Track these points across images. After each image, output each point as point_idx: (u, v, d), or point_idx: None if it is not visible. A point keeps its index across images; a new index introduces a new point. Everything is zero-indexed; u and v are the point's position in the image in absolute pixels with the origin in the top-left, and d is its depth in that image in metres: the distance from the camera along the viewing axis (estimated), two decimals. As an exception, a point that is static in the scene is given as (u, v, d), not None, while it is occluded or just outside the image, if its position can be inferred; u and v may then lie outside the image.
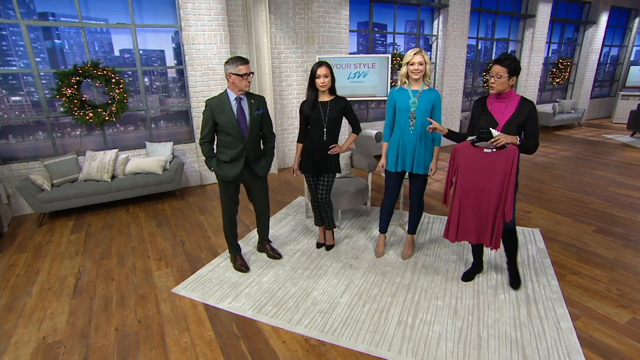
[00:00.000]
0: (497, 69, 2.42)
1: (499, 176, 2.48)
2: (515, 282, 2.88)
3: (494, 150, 2.46)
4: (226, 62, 2.76)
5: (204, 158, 2.97)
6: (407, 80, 2.91)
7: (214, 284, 3.01)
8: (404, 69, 2.87)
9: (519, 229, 3.86)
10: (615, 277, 2.98)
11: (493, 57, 8.98)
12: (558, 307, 2.62)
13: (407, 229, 3.41)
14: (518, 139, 2.43)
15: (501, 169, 2.46)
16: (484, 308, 2.64)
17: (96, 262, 3.42)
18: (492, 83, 2.48)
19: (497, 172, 2.47)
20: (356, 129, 3.21)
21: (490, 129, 2.42)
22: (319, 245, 3.55)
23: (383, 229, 3.35)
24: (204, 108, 2.85)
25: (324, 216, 3.40)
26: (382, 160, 3.12)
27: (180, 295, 2.88)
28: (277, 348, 2.30)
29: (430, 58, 2.88)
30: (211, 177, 5.65)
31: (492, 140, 2.40)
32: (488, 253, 3.35)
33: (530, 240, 3.65)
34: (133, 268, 3.29)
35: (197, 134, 5.37)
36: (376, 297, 2.79)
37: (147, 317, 2.64)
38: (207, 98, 2.91)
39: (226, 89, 2.85)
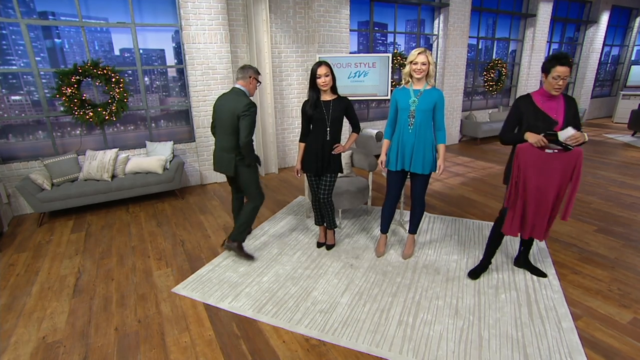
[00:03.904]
0: (564, 70, 2.33)
1: (557, 176, 2.49)
2: (540, 271, 3.01)
3: (556, 151, 2.45)
4: (253, 67, 3.17)
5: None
6: (410, 80, 2.91)
7: (214, 284, 3.00)
8: (407, 68, 2.86)
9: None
10: (616, 277, 2.97)
11: (494, 57, 8.97)
12: (559, 306, 2.61)
13: (408, 228, 3.40)
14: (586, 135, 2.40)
15: (560, 170, 2.48)
16: (485, 308, 2.63)
17: (96, 261, 3.41)
18: (559, 85, 2.39)
19: (556, 172, 2.49)
20: (356, 129, 3.21)
21: (560, 131, 2.39)
22: (319, 245, 3.54)
23: (384, 229, 3.34)
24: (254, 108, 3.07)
25: (325, 216, 3.39)
26: (382, 157, 3.10)
27: (180, 295, 2.87)
28: (277, 348, 2.29)
29: (431, 58, 2.87)
30: (211, 177, 5.65)
31: (574, 139, 2.33)
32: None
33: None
34: (133, 268, 3.28)
35: (197, 133, 5.37)
36: (377, 296, 2.78)
37: (147, 316, 2.63)
38: (253, 101, 3.11)
39: (246, 91, 3.14)
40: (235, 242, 3.31)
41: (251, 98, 3.10)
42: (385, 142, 3.10)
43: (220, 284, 2.99)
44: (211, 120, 3.37)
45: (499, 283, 2.92)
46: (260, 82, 3.36)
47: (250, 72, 3.13)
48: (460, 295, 2.79)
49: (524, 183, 2.59)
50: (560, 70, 2.34)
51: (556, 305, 2.62)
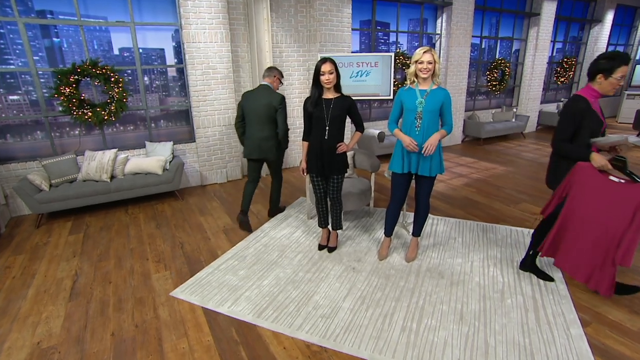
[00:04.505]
0: (627, 69, 2.29)
1: (612, 211, 2.24)
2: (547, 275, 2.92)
3: (622, 181, 2.21)
4: (278, 69, 3.83)
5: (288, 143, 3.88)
6: (415, 79, 2.84)
7: (213, 287, 2.94)
8: (412, 68, 2.79)
9: (525, 230, 3.78)
10: (626, 281, 2.89)
11: (497, 56, 8.88)
12: (567, 312, 2.54)
13: (411, 231, 3.33)
14: None
15: (618, 204, 2.21)
16: (491, 313, 2.56)
17: (94, 264, 3.35)
18: (619, 85, 2.37)
19: (613, 206, 2.24)
20: (360, 128, 3.16)
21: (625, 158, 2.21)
22: (320, 248, 3.48)
23: (388, 232, 3.28)
24: (285, 101, 3.68)
25: (332, 216, 3.36)
26: (407, 139, 2.81)
27: (178, 299, 2.81)
28: (277, 355, 2.23)
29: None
30: (211, 178, 5.59)
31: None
32: (495, 257, 3.28)
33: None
34: (131, 270, 3.23)
35: (197, 134, 5.30)
36: (379, 301, 2.72)
37: (145, 321, 2.57)
38: (284, 95, 4.13)
39: (272, 87, 3.72)
40: (278, 210, 4.33)
41: None
42: (397, 131, 2.92)
43: (219, 288, 2.93)
44: (236, 115, 3.82)
45: (505, 287, 2.85)
46: (283, 83, 4.04)
47: (275, 72, 3.79)
48: (465, 300, 2.72)
49: (571, 206, 2.37)
50: (624, 69, 2.29)
51: (564, 311, 2.55)
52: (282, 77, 3.88)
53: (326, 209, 3.37)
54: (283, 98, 3.61)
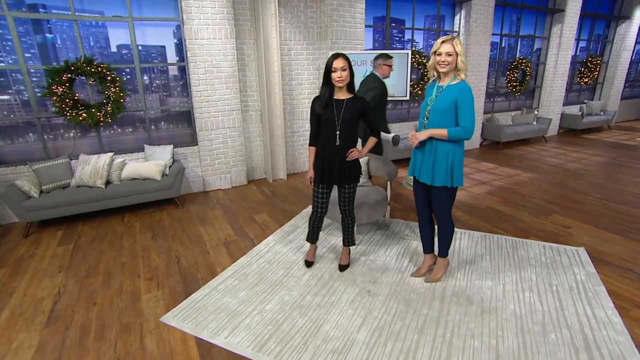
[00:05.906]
0: None
1: None
2: None
3: None
4: (382, 56, 4.00)
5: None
6: (435, 74, 2.48)
7: (209, 312, 2.58)
8: (431, 60, 2.43)
9: (560, 247, 3.36)
10: (629, 288, 2.45)
11: (517, 55, 8.41)
12: (628, 354, 2.12)
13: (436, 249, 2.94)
14: None
15: None
16: (533, 352, 2.16)
17: (80, 280, 3.03)
18: None
19: None
20: (375, 133, 2.79)
21: None
22: (308, 264, 3.11)
23: (426, 249, 2.92)
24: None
25: (343, 230, 3.02)
26: (412, 131, 2.57)
27: (169, 326, 2.46)
28: (279, 404, 1.86)
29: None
30: (215, 183, 5.25)
31: None
32: (527, 278, 2.86)
33: (575, 262, 3.14)
34: (120, 290, 2.89)
35: (200, 136, 4.97)
36: (399, 333, 2.33)
37: (128, 354, 2.22)
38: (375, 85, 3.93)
39: (380, 75, 4.01)
40: None
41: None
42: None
43: (216, 313, 2.58)
44: None
45: (546, 318, 2.44)
46: (393, 68, 4.14)
47: (380, 61, 3.99)
48: (500, 333, 2.32)
49: None
50: None
51: (624, 352, 2.13)
52: (387, 62, 3.99)
53: (319, 225, 3.02)
54: (376, 85, 3.87)
